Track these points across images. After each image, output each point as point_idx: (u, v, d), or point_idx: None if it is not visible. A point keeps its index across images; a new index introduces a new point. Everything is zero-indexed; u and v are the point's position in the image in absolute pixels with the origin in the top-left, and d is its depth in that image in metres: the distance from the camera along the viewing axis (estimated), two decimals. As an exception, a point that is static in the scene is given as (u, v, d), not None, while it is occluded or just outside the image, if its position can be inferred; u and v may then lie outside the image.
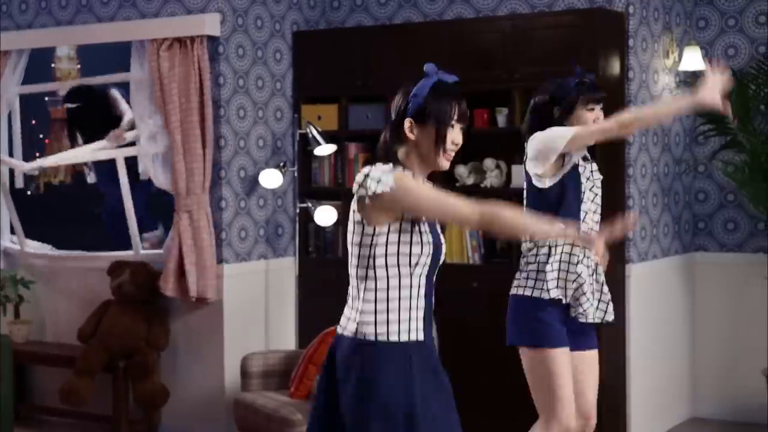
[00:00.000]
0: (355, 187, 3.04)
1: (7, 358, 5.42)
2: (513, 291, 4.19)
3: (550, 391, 4.06)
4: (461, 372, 5.32)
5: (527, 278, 4.14)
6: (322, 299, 6.16)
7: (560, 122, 4.17)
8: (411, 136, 3.06)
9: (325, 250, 6.37)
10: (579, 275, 4.10)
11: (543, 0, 5.97)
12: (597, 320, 4.18)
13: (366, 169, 3.02)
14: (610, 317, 4.23)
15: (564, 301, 4.10)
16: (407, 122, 3.05)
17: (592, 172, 4.25)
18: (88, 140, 6.84)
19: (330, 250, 6.35)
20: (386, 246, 3.01)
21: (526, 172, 4.23)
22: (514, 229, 3.11)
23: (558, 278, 4.10)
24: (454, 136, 3.06)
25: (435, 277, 3.11)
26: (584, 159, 4.24)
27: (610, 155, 5.59)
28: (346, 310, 3.10)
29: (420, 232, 3.04)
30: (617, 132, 4.16)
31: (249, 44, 6.13)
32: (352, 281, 3.09)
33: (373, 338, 3.00)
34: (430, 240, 3.05)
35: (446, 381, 3.12)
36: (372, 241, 3.01)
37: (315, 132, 6.07)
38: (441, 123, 3.03)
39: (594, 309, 4.15)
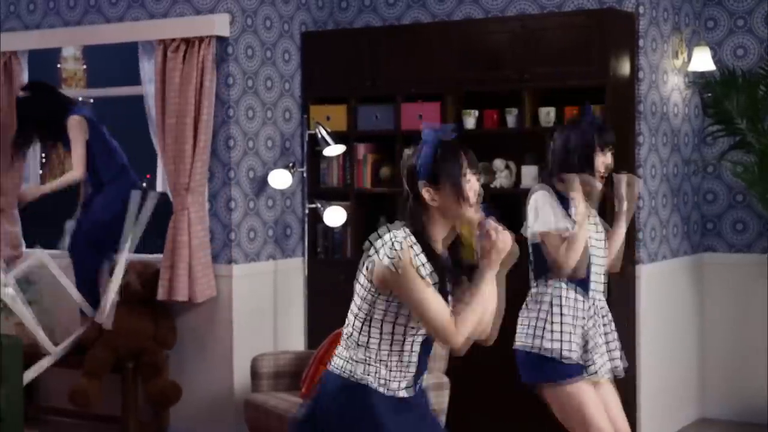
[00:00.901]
0: (369, 247, 3.01)
1: (16, 359, 5.40)
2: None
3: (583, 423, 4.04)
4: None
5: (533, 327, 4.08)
6: (330, 300, 6.13)
7: (579, 168, 4.07)
8: (434, 204, 3.04)
9: (334, 250, 6.36)
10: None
11: (553, 0, 5.96)
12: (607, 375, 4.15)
13: (384, 236, 3.00)
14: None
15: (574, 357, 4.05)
16: (425, 192, 3.03)
17: (597, 231, 4.19)
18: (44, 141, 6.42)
19: (339, 251, 6.34)
20: (385, 312, 3.01)
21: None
22: (492, 314, 3.08)
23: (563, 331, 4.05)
24: (472, 185, 3.05)
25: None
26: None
27: (620, 155, 5.57)
28: (339, 349, 3.11)
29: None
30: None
31: (258, 45, 6.12)
32: (350, 321, 3.09)
33: (363, 382, 3.02)
34: None
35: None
36: (375, 299, 3.01)
37: (324, 132, 6.07)
38: (456, 181, 3.01)
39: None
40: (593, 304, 4.11)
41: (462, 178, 3.02)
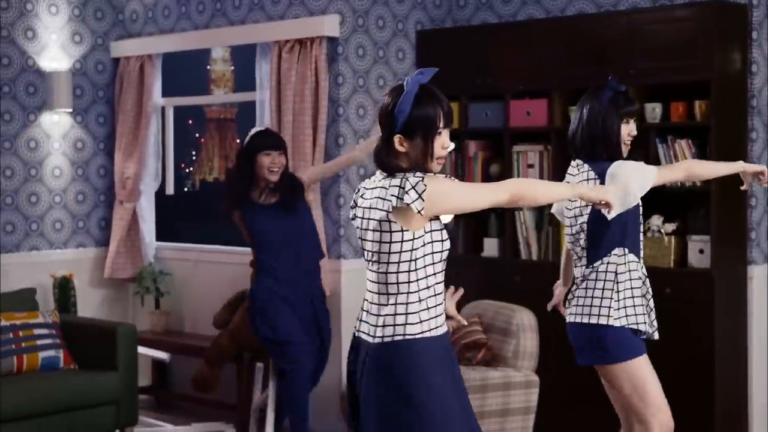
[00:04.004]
0: (388, 197, 3.13)
1: (131, 345, 5.70)
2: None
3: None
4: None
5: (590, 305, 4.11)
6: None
7: (606, 138, 4.13)
8: (402, 149, 3.16)
9: (446, 247, 6.39)
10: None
11: (664, -7, 5.81)
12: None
13: (399, 182, 3.13)
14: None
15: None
16: (396, 139, 3.15)
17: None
18: None
19: (451, 246, 6.35)
20: (422, 247, 3.14)
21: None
22: (542, 196, 3.31)
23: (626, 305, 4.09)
24: (443, 140, 3.16)
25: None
26: None
27: (730, 151, 5.40)
28: (372, 317, 3.24)
29: (441, 230, 3.19)
30: (682, 179, 4.32)
31: (370, 44, 6.22)
32: (382, 286, 3.21)
33: (415, 335, 3.15)
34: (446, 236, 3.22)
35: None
36: (412, 245, 3.13)
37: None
38: (428, 134, 3.13)
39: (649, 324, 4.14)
40: (643, 265, 4.14)
41: (434, 134, 3.12)
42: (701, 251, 5.42)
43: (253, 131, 5.53)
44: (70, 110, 6.95)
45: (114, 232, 7.11)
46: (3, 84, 6.72)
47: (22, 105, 6.81)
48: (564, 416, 5.73)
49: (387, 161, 3.19)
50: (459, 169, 6.34)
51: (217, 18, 6.75)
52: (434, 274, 3.18)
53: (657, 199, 5.63)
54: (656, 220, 5.50)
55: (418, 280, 3.15)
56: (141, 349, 6.19)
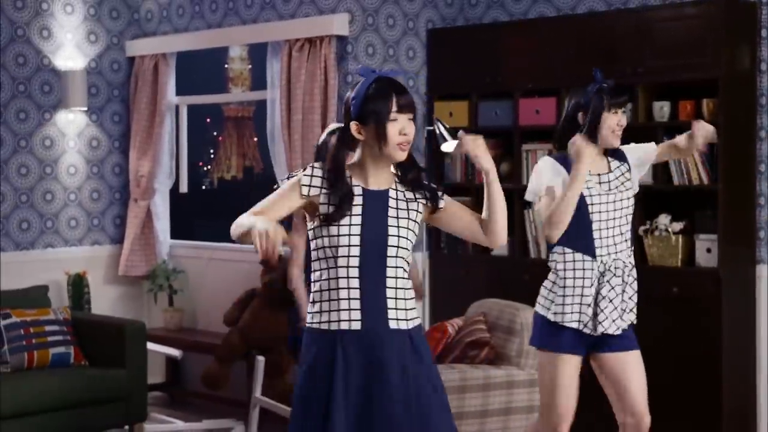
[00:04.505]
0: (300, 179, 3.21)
1: (140, 342, 5.75)
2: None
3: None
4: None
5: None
6: (452, 294, 6.22)
7: (588, 128, 4.18)
8: (360, 137, 3.18)
9: (455, 245, 6.40)
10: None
11: (674, -9, 5.78)
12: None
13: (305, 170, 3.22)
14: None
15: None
16: (353, 125, 3.17)
17: (608, 191, 4.19)
18: None
19: (461, 245, 6.38)
20: (315, 240, 3.21)
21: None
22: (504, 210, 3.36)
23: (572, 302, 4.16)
24: (400, 126, 3.14)
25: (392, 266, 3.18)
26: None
27: (738, 150, 5.38)
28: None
29: (339, 225, 3.16)
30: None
31: (380, 43, 6.24)
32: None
33: (310, 325, 3.20)
34: (356, 232, 3.15)
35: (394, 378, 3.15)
36: (312, 235, 3.21)
37: (442, 128, 6.10)
38: (380, 119, 3.12)
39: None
40: (603, 263, 4.11)
41: (387, 119, 3.12)
42: (708, 250, 5.39)
43: (331, 127, 5.57)
44: (85, 109, 7.01)
45: (128, 229, 7.17)
46: (18, 83, 6.79)
47: (37, 104, 6.88)
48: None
49: (337, 152, 3.20)
50: (469, 168, 6.34)
51: (230, 17, 6.79)
52: (322, 270, 3.18)
53: (664, 199, 5.62)
54: (664, 219, 5.47)
55: (313, 271, 3.23)
56: (153, 346, 6.23)
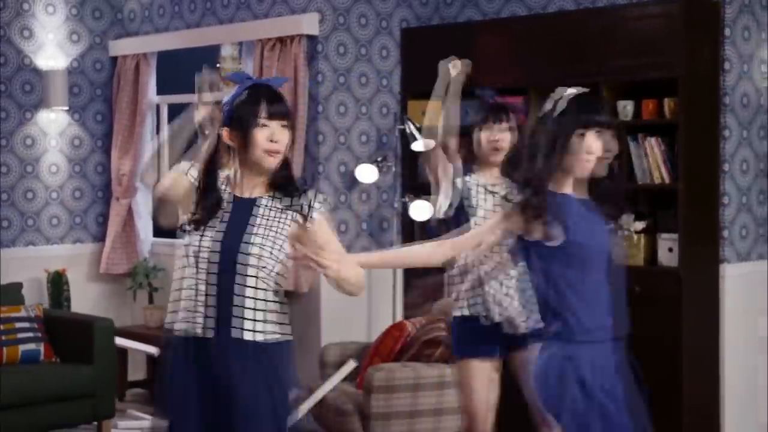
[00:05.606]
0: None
1: (108, 340, 5.81)
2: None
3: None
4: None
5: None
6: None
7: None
8: (230, 143, 3.18)
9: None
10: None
11: (642, -10, 5.76)
12: None
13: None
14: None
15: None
16: (224, 131, 3.18)
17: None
18: None
19: (434, 245, 6.38)
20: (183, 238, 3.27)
21: None
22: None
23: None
24: (271, 133, 3.13)
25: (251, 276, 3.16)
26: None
27: (702, 149, 5.37)
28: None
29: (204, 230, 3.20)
30: None
31: (351, 42, 6.26)
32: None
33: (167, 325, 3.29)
34: (219, 239, 3.18)
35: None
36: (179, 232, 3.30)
37: (413, 127, 6.13)
38: (246, 125, 3.13)
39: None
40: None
41: (254, 125, 3.12)
42: (670, 249, 5.38)
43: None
44: (67, 108, 7.08)
45: (110, 228, 7.24)
46: (-1, 82, 6.88)
47: (18, 103, 6.96)
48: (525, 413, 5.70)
49: (211, 155, 3.22)
50: (441, 167, 6.35)
51: (207, 17, 6.84)
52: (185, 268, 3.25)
53: (627, 198, 5.60)
54: (626, 218, 5.46)
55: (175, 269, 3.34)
56: (131, 344, 6.30)
